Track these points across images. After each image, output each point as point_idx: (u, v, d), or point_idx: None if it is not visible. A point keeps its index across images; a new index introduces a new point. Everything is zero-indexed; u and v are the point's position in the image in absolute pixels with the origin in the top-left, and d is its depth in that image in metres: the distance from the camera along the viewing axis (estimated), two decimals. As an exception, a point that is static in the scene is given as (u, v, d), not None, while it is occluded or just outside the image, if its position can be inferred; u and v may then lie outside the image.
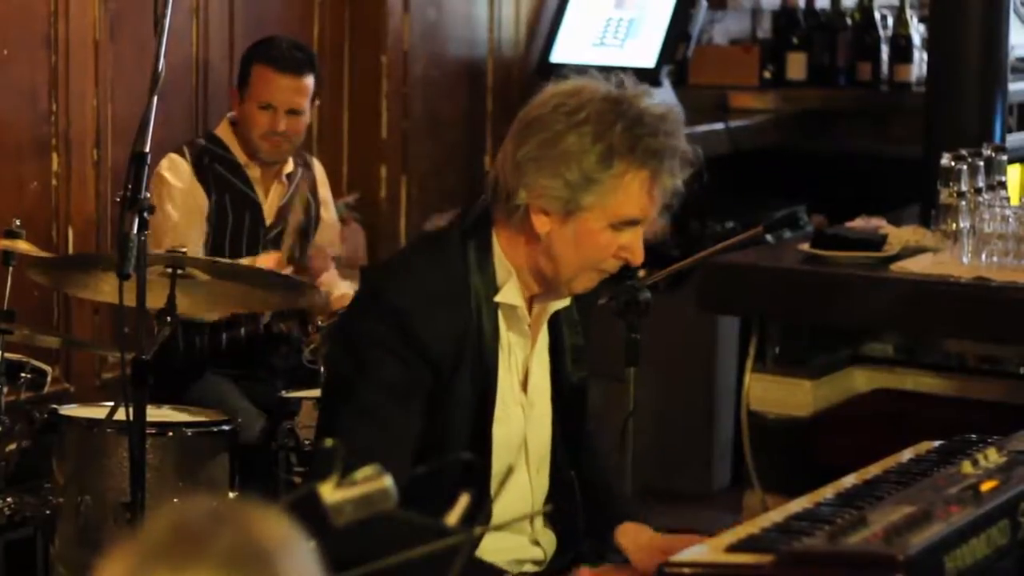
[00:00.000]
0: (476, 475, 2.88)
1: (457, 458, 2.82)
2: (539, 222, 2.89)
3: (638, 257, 2.92)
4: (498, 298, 2.95)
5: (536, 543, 3.07)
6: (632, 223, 2.90)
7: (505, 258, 2.95)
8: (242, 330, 4.75)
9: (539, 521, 3.08)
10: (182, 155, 4.69)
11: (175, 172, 4.67)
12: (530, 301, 3.00)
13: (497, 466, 2.96)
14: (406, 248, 3.29)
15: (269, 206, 4.79)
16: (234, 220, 4.71)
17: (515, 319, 2.98)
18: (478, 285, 2.93)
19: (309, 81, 4.69)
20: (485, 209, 2.97)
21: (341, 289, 4.83)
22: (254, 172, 4.75)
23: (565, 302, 3.05)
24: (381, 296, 2.91)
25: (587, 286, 2.98)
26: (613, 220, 2.88)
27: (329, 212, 4.98)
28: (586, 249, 2.90)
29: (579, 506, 3.11)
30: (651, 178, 2.86)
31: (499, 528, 2.78)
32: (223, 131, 4.77)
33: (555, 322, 3.07)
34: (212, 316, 4.64)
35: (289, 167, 4.82)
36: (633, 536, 3.05)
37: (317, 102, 4.78)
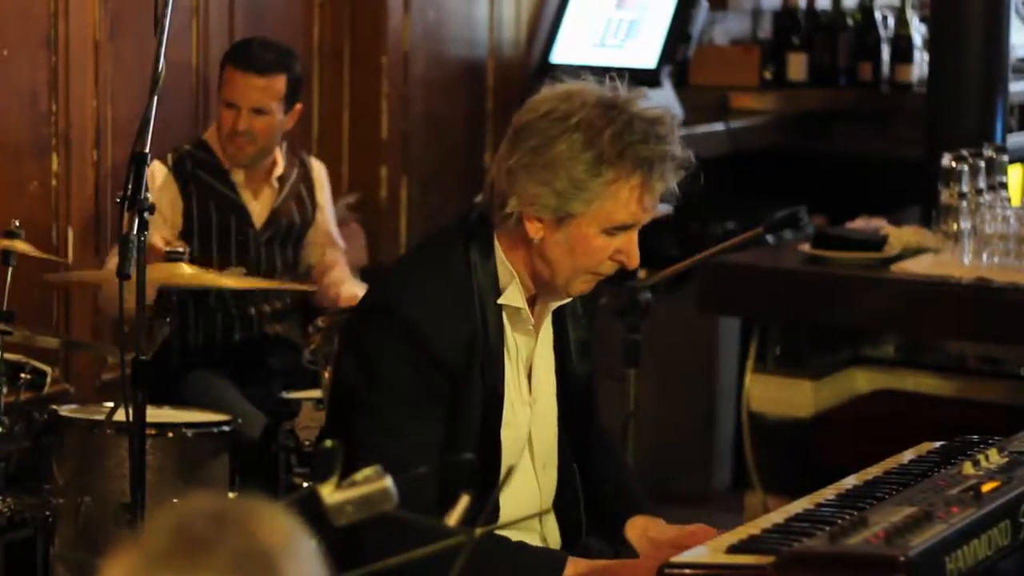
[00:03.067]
0: (482, 475, 2.87)
1: (458, 459, 2.82)
2: (532, 228, 2.90)
3: (634, 260, 2.92)
4: (501, 300, 2.95)
5: (544, 540, 3.07)
6: (625, 228, 2.90)
7: (507, 260, 2.95)
8: (236, 336, 4.73)
9: (548, 518, 3.08)
10: (164, 162, 4.67)
11: (152, 183, 4.63)
12: (531, 300, 3.01)
13: (504, 465, 2.96)
14: (408, 256, 3.27)
15: (260, 210, 4.76)
16: (219, 226, 4.68)
17: (519, 320, 2.99)
18: (482, 288, 2.93)
19: (277, 81, 4.62)
20: (484, 213, 2.97)
21: (351, 289, 4.80)
22: (239, 176, 4.73)
23: (566, 299, 3.05)
24: (389, 308, 2.90)
25: (584, 289, 2.98)
26: (605, 226, 2.88)
27: (323, 215, 4.93)
28: (580, 254, 2.90)
29: (581, 500, 3.11)
30: (641, 184, 2.86)
31: (507, 526, 2.78)
32: (211, 136, 4.75)
33: (559, 317, 3.07)
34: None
35: (280, 169, 4.79)
36: (643, 529, 3.03)
37: (298, 106, 4.71)
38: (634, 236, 2.92)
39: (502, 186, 2.90)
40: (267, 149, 4.70)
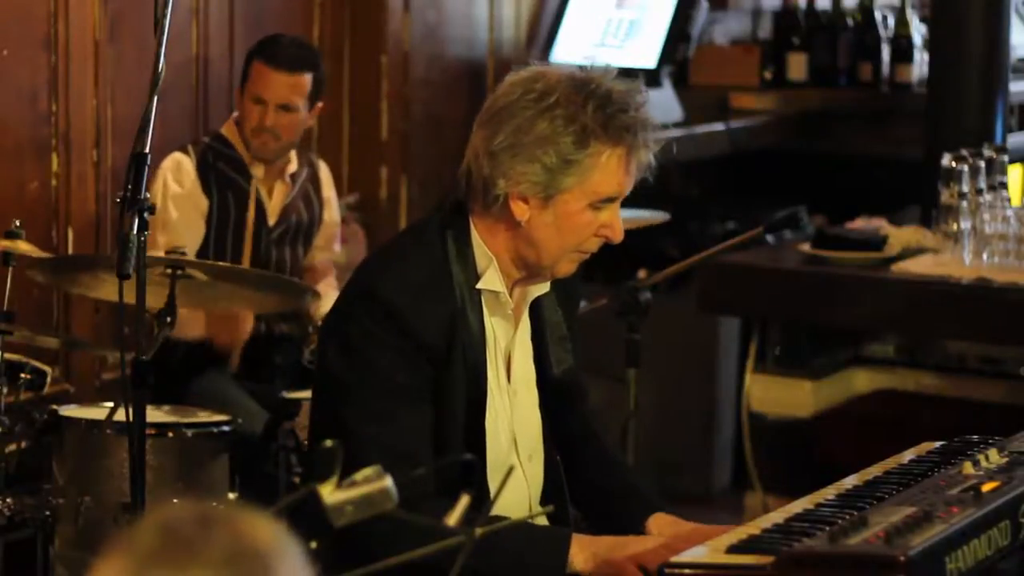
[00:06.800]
0: (474, 472, 2.87)
1: (457, 459, 2.82)
2: (518, 209, 2.91)
3: (618, 234, 2.95)
4: (480, 285, 2.97)
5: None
6: (610, 200, 2.92)
7: (484, 245, 2.96)
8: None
9: (539, 519, 3.08)
10: (186, 154, 4.70)
11: (177, 173, 4.68)
12: (511, 286, 3.01)
13: (490, 457, 2.96)
14: (386, 245, 3.28)
15: (273, 206, 4.79)
16: (236, 219, 4.72)
17: (497, 305, 3.00)
18: (459, 273, 2.95)
19: (304, 79, 4.67)
20: (460, 200, 2.98)
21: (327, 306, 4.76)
22: (258, 171, 4.76)
23: (545, 287, 3.07)
24: (369, 295, 2.91)
25: (569, 269, 3.00)
26: (592, 199, 2.91)
27: (331, 212, 4.98)
28: (567, 231, 2.92)
29: (566, 490, 3.11)
30: (627, 154, 2.90)
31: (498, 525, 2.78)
32: (228, 130, 4.77)
33: (537, 313, 3.08)
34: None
35: (293, 166, 4.82)
36: (667, 527, 3.01)
37: (320, 104, 4.76)
38: (618, 209, 2.95)
39: (485, 170, 2.91)
40: (290, 145, 4.75)
